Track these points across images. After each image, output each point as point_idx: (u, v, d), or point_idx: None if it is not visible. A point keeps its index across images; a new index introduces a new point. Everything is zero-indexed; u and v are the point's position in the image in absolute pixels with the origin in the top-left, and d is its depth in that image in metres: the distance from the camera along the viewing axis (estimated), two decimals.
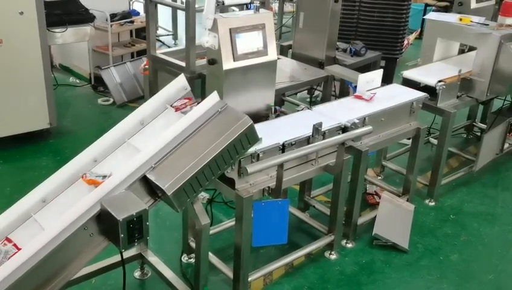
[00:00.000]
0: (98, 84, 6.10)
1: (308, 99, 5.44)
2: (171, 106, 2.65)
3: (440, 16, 4.52)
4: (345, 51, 4.99)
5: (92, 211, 2.21)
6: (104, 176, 2.38)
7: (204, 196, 3.93)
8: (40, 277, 2.15)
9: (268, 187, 2.90)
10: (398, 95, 3.72)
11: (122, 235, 2.14)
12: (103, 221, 2.23)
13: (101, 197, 2.23)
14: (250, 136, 2.53)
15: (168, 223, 3.76)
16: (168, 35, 8.16)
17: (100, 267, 3.00)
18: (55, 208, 2.36)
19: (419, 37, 7.74)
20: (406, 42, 6.55)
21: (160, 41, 7.75)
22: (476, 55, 4.11)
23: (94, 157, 2.50)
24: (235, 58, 3.03)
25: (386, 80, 4.13)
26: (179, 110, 2.61)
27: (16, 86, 4.55)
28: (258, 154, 2.78)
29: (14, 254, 2.18)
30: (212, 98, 2.58)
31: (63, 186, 2.40)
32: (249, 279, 3.06)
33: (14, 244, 2.25)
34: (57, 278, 2.21)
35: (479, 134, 5.31)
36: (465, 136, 5.43)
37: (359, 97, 3.57)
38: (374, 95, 3.56)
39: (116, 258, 2.95)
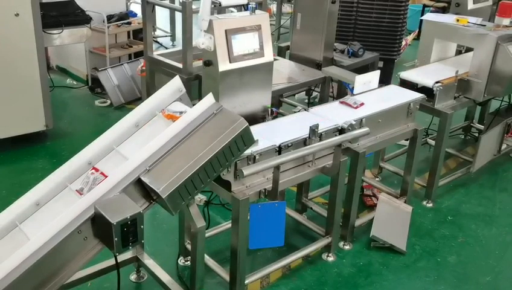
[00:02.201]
0: (95, 85, 6.08)
1: (306, 101, 5.43)
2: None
3: (437, 16, 4.51)
4: (342, 52, 4.98)
5: (86, 214, 2.20)
6: (181, 112, 2.52)
7: (201, 198, 3.92)
8: (34, 281, 2.13)
9: (265, 189, 2.89)
10: (396, 96, 3.71)
11: (116, 239, 2.13)
12: (97, 224, 2.21)
13: (95, 201, 2.22)
14: (245, 138, 2.52)
15: (164, 225, 3.75)
16: (166, 36, 8.14)
17: (96, 270, 2.98)
18: (48, 211, 2.34)
19: (417, 38, 7.73)
20: (403, 43, 6.55)
21: (158, 42, 7.74)
22: (473, 56, 4.11)
23: (88, 160, 2.48)
24: (231, 59, 3.01)
25: (384, 81, 4.12)
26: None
27: (12, 88, 4.53)
28: (254, 156, 2.77)
29: (101, 181, 2.30)
30: (208, 100, 2.56)
31: (56, 189, 2.39)
32: (246, 282, 3.04)
33: (102, 173, 2.39)
34: (51, 282, 2.19)
35: (476, 135, 5.31)
36: (462, 137, 5.43)
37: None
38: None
39: (112, 261, 2.92)
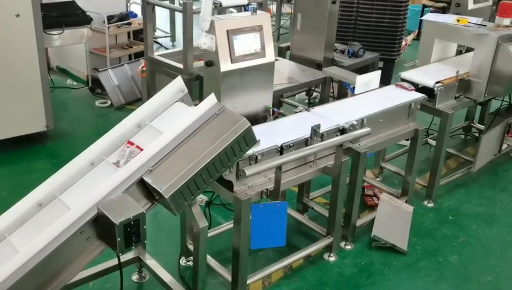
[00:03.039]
0: (96, 86, 6.08)
1: (307, 101, 5.44)
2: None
3: (438, 16, 4.52)
4: (343, 52, 4.98)
5: (89, 214, 2.20)
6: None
7: (202, 198, 3.92)
8: (37, 282, 2.13)
9: (267, 189, 2.88)
10: (396, 96, 3.72)
11: (119, 239, 2.13)
12: (100, 225, 2.21)
13: (97, 201, 2.22)
14: (248, 139, 2.52)
15: (166, 225, 3.75)
16: (166, 37, 8.15)
17: (98, 270, 2.98)
18: (51, 211, 2.34)
19: (417, 38, 7.76)
20: (403, 43, 6.56)
21: (158, 43, 7.73)
22: (474, 56, 4.11)
23: (91, 161, 2.48)
24: (233, 60, 3.01)
25: (384, 81, 4.13)
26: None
27: (13, 89, 4.53)
28: (256, 157, 2.77)
29: (137, 154, 2.38)
30: (210, 101, 2.57)
31: (59, 190, 2.38)
32: (248, 282, 3.05)
33: (137, 146, 2.48)
34: (54, 282, 2.19)
35: (477, 135, 5.31)
36: (463, 137, 5.43)
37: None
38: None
39: (114, 261, 2.93)
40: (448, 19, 4.32)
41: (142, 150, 2.42)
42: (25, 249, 2.11)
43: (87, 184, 2.41)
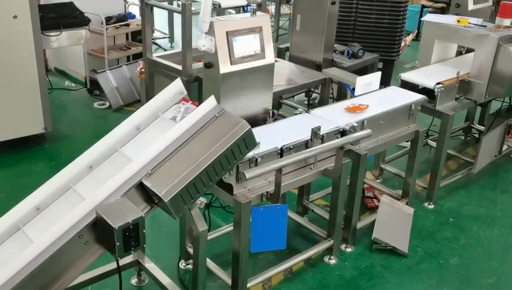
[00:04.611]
0: (94, 88, 6.05)
1: (306, 102, 5.42)
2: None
3: (437, 17, 4.50)
4: (342, 53, 4.96)
5: (87, 218, 2.18)
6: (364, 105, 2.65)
7: (202, 201, 3.89)
8: (35, 286, 2.11)
9: (267, 192, 2.86)
10: (397, 97, 3.70)
11: (118, 244, 2.11)
12: (99, 229, 2.19)
13: (96, 205, 2.19)
14: (248, 141, 2.50)
15: (165, 229, 3.72)
16: (164, 38, 8.12)
17: (97, 274, 2.96)
18: (49, 215, 2.32)
19: (416, 38, 7.74)
20: (403, 44, 6.54)
21: (157, 44, 7.71)
22: (474, 57, 4.09)
23: (89, 164, 2.45)
24: (232, 61, 2.99)
25: (384, 82, 4.10)
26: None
27: (11, 91, 4.50)
28: (256, 159, 2.75)
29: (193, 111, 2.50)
30: (209, 103, 2.54)
31: (57, 193, 2.36)
32: (248, 285, 3.02)
33: (193, 103, 2.63)
34: (53, 287, 2.17)
35: (477, 136, 5.30)
36: (463, 138, 5.41)
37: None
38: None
39: (113, 265, 2.90)
40: (449, 19, 4.30)
41: (197, 106, 2.56)
42: (23, 254, 2.08)
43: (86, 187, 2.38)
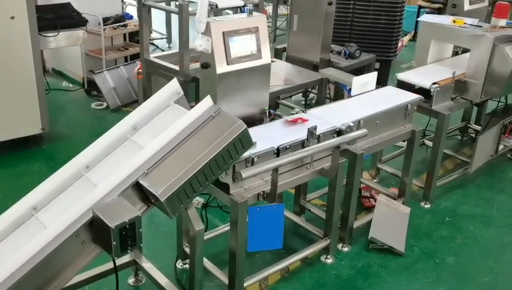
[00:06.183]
0: (91, 88, 6.05)
1: (303, 102, 5.42)
2: None
3: (434, 18, 4.52)
4: (339, 53, 4.97)
5: (84, 218, 2.18)
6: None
7: (199, 200, 3.90)
8: (32, 286, 2.11)
9: (263, 192, 2.87)
10: (393, 97, 3.71)
11: (114, 243, 2.11)
12: (95, 228, 2.20)
13: (93, 204, 2.20)
14: (244, 141, 2.51)
15: (162, 228, 3.73)
16: (162, 38, 8.13)
17: (93, 274, 2.97)
18: (46, 215, 2.32)
19: (413, 38, 7.75)
20: (400, 44, 6.55)
21: (154, 44, 7.72)
22: (470, 57, 4.11)
23: (86, 164, 2.46)
24: (229, 61, 3.00)
25: (380, 82, 4.12)
26: None
27: (8, 91, 4.50)
28: (253, 159, 2.76)
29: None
30: (206, 103, 2.55)
31: (54, 193, 2.36)
32: (245, 284, 3.03)
33: None
34: (49, 287, 2.17)
35: (473, 136, 5.31)
36: (459, 138, 5.43)
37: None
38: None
39: (110, 265, 2.91)
40: (445, 20, 4.32)
41: None
42: (19, 254, 2.09)
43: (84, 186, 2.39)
